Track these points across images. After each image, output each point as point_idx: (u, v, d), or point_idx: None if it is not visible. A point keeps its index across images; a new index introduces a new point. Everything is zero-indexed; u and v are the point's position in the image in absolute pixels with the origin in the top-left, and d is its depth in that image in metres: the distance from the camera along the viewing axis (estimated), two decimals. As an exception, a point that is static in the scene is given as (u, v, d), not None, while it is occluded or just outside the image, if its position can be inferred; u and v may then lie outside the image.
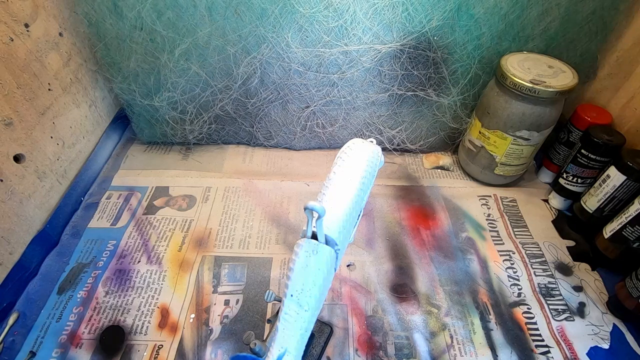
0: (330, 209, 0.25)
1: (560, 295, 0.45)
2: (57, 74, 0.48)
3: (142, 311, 0.42)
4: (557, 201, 0.55)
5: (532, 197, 0.57)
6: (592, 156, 0.48)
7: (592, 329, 0.42)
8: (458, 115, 0.57)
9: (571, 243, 0.51)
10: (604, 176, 0.46)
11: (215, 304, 0.43)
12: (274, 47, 0.49)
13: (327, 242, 0.24)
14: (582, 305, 0.44)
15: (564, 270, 0.47)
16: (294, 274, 0.24)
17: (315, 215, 0.22)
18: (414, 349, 0.39)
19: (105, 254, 0.47)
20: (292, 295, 0.24)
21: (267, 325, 0.39)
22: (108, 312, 0.42)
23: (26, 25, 0.43)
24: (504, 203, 0.55)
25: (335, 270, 0.26)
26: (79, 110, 0.53)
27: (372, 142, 0.29)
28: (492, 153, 0.53)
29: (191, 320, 0.41)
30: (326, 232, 0.24)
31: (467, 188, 0.58)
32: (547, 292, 0.45)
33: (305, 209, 0.22)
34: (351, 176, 0.26)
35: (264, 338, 0.29)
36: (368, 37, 0.48)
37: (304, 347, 0.25)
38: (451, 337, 0.41)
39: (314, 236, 0.24)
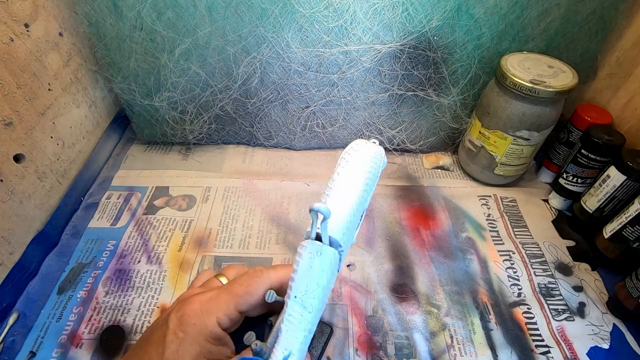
0: (335, 211, 0.25)
1: (560, 295, 0.45)
2: (57, 74, 0.48)
3: (142, 311, 0.42)
4: (557, 201, 0.55)
5: (532, 197, 0.57)
6: (592, 156, 0.48)
7: (592, 329, 0.42)
8: (458, 115, 0.57)
9: (571, 243, 0.51)
10: (604, 176, 0.46)
11: (215, 304, 0.42)
12: (274, 47, 0.49)
13: (331, 244, 0.24)
14: (582, 305, 0.44)
15: (564, 270, 0.47)
16: (298, 275, 0.24)
17: (321, 217, 0.22)
18: (414, 349, 0.39)
19: (105, 254, 0.47)
20: (295, 297, 0.24)
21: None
22: (108, 312, 0.42)
23: (26, 25, 0.43)
24: (504, 203, 0.55)
25: (338, 271, 0.26)
26: (79, 110, 0.53)
27: (374, 142, 0.29)
28: (492, 153, 0.53)
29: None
30: (330, 233, 0.24)
31: (467, 188, 0.58)
32: (547, 292, 0.45)
33: (310, 210, 0.22)
34: (355, 177, 0.26)
35: (265, 339, 0.29)
36: (368, 37, 0.48)
37: (306, 349, 0.25)
38: (451, 337, 0.41)
39: (318, 238, 0.24)
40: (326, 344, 0.39)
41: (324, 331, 0.39)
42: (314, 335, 0.37)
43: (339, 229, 0.24)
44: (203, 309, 0.27)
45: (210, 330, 0.26)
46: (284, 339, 0.23)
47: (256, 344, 0.24)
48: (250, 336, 0.26)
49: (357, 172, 0.26)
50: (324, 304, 0.25)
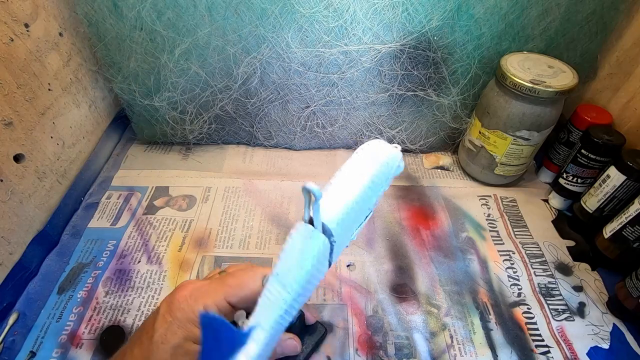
0: (332, 199, 0.25)
1: (560, 295, 0.45)
2: (57, 74, 0.48)
3: (142, 311, 0.42)
4: (557, 201, 0.55)
5: (532, 197, 0.57)
6: (592, 156, 0.48)
7: (592, 329, 0.42)
8: (458, 115, 0.57)
9: (571, 243, 0.51)
10: (604, 176, 0.46)
11: (215, 304, 0.42)
12: (274, 47, 0.49)
13: (324, 231, 0.24)
14: (582, 305, 0.44)
15: (564, 270, 0.47)
16: (284, 254, 0.24)
17: (313, 198, 0.22)
18: (414, 349, 0.39)
19: (105, 254, 0.47)
20: (277, 274, 0.23)
21: None
22: (108, 312, 0.42)
23: (26, 25, 0.43)
24: (504, 203, 0.55)
25: (330, 263, 0.26)
26: (79, 110, 0.53)
27: (396, 147, 0.29)
28: (492, 153, 0.53)
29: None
30: (324, 221, 0.24)
31: (467, 188, 0.58)
32: (547, 292, 0.45)
33: (302, 189, 0.22)
34: (360, 173, 0.26)
35: None
36: (368, 37, 0.48)
37: (281, 330, 0.24)
38: (451, 337, 0.41)
39: (312, 222, 0.24)
40: (318, 343, 0.38)
41: (318, 330, 0.39)
42: (307, 333, 0.37)
43: (334, 218, 0.24)
44: (192, 295, 0.28)
45: (197, 315, 0.27)
46: (258, 313, 0.23)
47: (243, 322, 0.24)
48: (240, 314, 0.26)
49: (364, 169, 0.26)
50: (307, 291, 0.25)
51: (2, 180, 0.41)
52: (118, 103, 0.61)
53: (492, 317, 0.42)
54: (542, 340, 0.41)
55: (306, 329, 0.38)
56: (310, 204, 0.22)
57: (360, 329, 0.41)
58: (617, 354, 0.40)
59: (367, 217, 0.28)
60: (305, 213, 0.24)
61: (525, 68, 0.47)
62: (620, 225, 0.44)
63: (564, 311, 0.43)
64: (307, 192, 0.22)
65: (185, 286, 0.28)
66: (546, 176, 0.58)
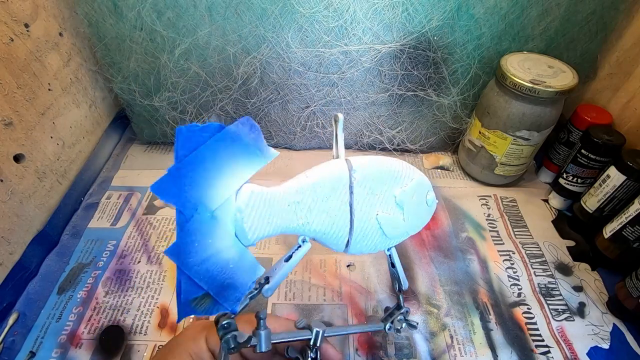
0: (362, 159, 0.28)
1: (560, 295, 0.45)
2: (57, 74, 0.48)
3: (142, 311, 0.42)
4: (557, 201, 0.55)
5: (532, 197, 0.57)
6: (592, 156, 0.48)
7: (592, 329, 0.42)
8: (458, 115, 0.57)
9: (571, 243, 0.51)
10: (604, 176, 0.46)
11: (215, 304, 0.42)
12: (274, 47, 0.49)
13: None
14: (582, 305, 0.44)
15: (564, 270, 0.47)
16: (314, 168, 0.28)
17: (339, 121, 0.26)
18: (414, 349, 0.39)
19: (105, 254, 0.47)
20: (292, 178, 0.27)
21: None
22: (108, 312, 0.42)
23: (26, 25, 0.43)
24: (504, 203, 0.55)
25: (352, 208, 0.27)
26: (79, 110, 0.53)
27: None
28: (492, 153, 0.53)
29: (191, 320, 0.41)
30: (348, 157, 0.27)
31: (467, 188, 0.58)
32: (547, 292, 0.45)
33: (333, 117, 0.26)
34: (391, 160, 0.28)
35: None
36: (368, 37, 0.48)
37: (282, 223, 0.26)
38: (451, 337, 0.41)
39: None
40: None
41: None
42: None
43: (357, 159, 0.27)
44: (197, 324, 0.29)
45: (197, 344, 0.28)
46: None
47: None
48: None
49: (390, 160, 0.29)
50: (313, 204, 0.27)
51: (2, 181, 0.41)
52: (118, 103, 0.61)
53: (492, 317, 0.42)
54: (542, 341, 0.41)
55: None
56: (337, 129, 0.26)
57: (360, 329, 0.41)
58: (617, 354, 0.40)
59: (394, 213, 0.29)
60: (334, 149, 0.28)
61: (525, 68, 0.47)
62: (620, 225, 0.44)
63: (564, 311, 0.43)
64: (334, 120, 0.26)
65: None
66: (546, 176, 0.58)
